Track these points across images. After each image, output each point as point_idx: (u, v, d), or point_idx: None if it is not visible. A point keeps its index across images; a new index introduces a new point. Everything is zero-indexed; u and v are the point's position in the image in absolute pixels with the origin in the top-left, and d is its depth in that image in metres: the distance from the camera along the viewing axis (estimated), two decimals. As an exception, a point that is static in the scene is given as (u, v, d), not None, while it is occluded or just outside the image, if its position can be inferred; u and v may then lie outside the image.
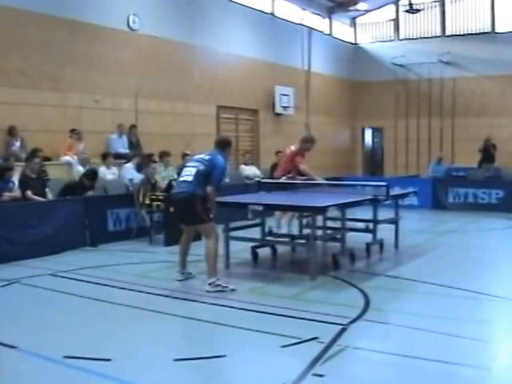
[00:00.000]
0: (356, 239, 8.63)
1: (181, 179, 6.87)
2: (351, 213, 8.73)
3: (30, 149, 10.07)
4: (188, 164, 7.01)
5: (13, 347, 4.73)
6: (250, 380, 4.21)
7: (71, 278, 7.19)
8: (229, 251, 7.71)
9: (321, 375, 4.16)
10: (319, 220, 8.19)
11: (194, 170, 6.64)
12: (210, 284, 6.51)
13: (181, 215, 6.87)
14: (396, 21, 21.48)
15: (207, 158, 6.71)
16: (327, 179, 13.26)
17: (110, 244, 9.41)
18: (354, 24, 22.34)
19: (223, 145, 6.99)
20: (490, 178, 15.37)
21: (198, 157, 6.88)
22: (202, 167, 6.63)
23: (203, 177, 6.58)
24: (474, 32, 20.12)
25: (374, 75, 21.12)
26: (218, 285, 6.50)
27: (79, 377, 4.21)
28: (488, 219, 12.87)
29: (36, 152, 9.66)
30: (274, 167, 14.72)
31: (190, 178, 6.62)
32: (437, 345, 4.85)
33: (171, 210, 7.78)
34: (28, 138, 10.53)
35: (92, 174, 10.18)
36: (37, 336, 5.09)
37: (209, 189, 6.54)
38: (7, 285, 6.85)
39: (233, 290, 6.49)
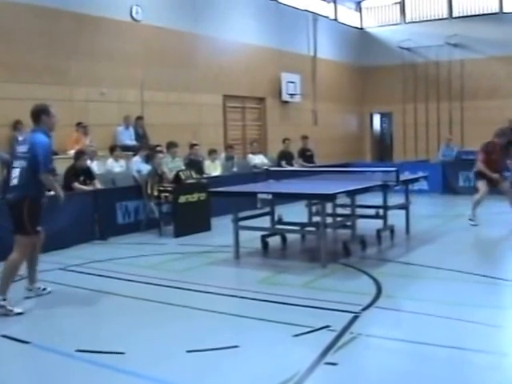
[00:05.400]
0: (366, 226, 8.58)
1: (11, 184, 5.72)
2: (361, 199, 8.67)
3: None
4: (13, 165, 5.79)
5: (26, 342, 4.73)
6: (263, 370, 4.19)
7: (81, 272, 7.20)
8: (238, 241, 7.69)
9: (334, 364, 4.13)
10: (329, 207, 8.14)
11: (17, 171, 5.65)
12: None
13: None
14: (402, 4, 21.23)
15: (25, 149, 5.67)
16: (336, 166, 13.25)
17: (120, 237, 9.41)
18: (359, 8, 22.11)
19: (38, 114, 5.76)
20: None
21: (19, 152, 5.78)
22: (24, 164, 5.62)
23: (30, 172, 5.59)
24: (481, 13, 19.84)
25: (380, 60, 20.93)
26: (3, 306, 5.48)
27: (92, 370, 4.21)
28: (499, 202, 12.73)
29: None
30: (282, 155, 14.71)
31: (15, 182, 5.64)
32: (450, 331, 4.80)
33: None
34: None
35: None
36: (49, 330, 5.10)
37: (42, 177, 5.59)
38: (18, 280, 6.85)
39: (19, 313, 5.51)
